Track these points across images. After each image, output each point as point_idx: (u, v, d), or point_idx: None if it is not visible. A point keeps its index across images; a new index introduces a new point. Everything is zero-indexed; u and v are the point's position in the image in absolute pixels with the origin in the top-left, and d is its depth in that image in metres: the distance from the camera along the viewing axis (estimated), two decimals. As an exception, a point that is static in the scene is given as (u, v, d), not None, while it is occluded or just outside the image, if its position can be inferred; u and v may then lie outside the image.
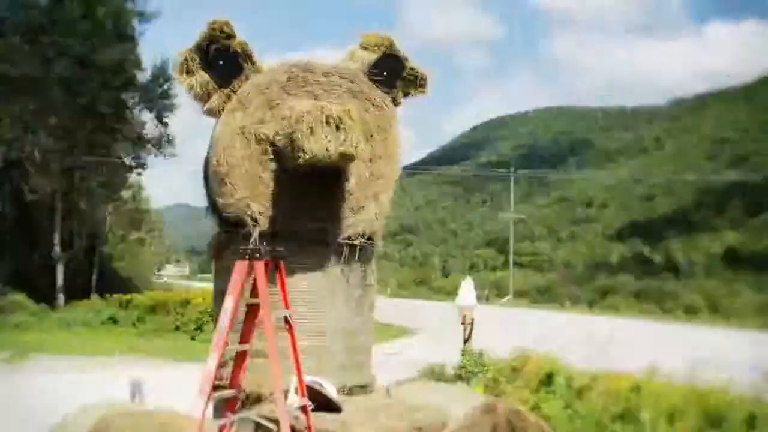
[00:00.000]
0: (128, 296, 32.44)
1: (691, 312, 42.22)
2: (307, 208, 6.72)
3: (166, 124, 41.52)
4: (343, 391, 6.75)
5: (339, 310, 6.80)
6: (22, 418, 8.05)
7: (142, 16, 39.91)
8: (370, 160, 6.98)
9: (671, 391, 9.16)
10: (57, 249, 37.00)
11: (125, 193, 47.68)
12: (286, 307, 5.86)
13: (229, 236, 6.87)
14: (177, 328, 28.00)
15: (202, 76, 6.79)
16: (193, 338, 26.21)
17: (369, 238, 6.97)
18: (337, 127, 6.02)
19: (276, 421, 5.38)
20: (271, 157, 6.66)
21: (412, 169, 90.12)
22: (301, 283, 6.67)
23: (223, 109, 6.84)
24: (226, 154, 6.69)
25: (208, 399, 5.40)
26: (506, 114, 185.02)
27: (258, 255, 5.54)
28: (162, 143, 41.95)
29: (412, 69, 7.40)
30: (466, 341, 15.19)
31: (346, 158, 6.17)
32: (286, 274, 6.21)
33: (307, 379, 5.87)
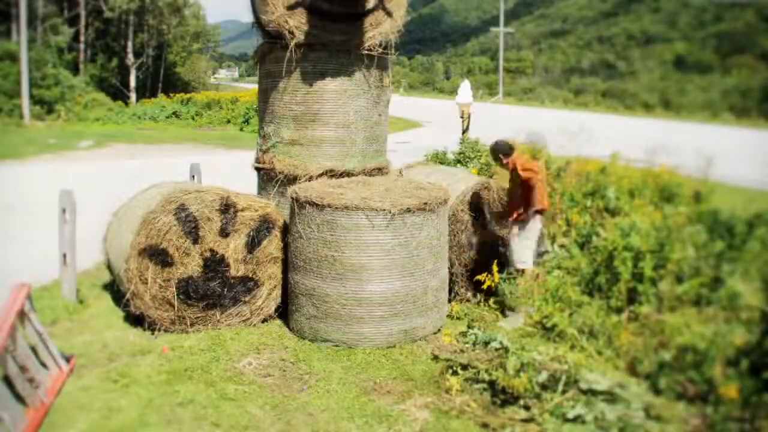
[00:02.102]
0: (188, 95, 32.00)
1: (648, 108, 41.55)
2: (336, 23, 6.40)
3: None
4: (364, 172, 6.69)
5: (360, 106, 6.60)
6: (104, 193, 8.07)
7: None
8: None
9: (632, 172, 9.06)
10: (131, 56, 36.60)
11: (187, 11, 46.15)
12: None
13: (270, 46, 6.65)
14: (228, 121, 27.85)
15: None
16: (241, 129, 26.10)
17: (385, 48, 6.68)
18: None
19: None
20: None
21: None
22: (330, 85, 6.50)
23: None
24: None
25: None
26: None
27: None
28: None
29: None
30: (464, 132, 15.02)
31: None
32: (320, 78, 6.41)
33: None
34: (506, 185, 6.99)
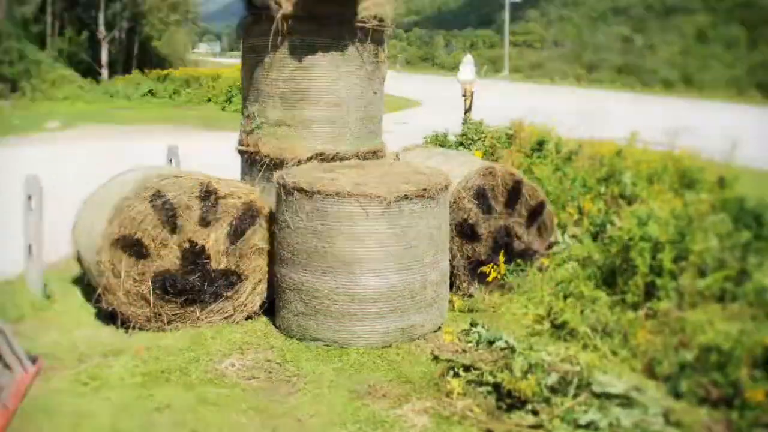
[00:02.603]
0: (165, 71, 31.89)
1: (667, 86, 41.53)
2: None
3: None
4: (357, 156, 6.66)
5: (353, 83, 6.55)
6: (74, 178, 8.03)
7: None
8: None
9: (650, 156, 9.07)
10: (102, 29, 36.39)
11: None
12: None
13: (255, 18, 6.56)
14: (209, 100, 27.78)
15: None
16: (223, 109, 26.04)
17: (380, 20, 6.60)
18: None
19: None
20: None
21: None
22: (320, 60, 6.42)
23: None
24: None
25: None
26: None
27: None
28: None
29: None
30: (466, 111, 14.98)
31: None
32: (309, 53, 6.26)
33: None
34: (513, 170, 6.98)
